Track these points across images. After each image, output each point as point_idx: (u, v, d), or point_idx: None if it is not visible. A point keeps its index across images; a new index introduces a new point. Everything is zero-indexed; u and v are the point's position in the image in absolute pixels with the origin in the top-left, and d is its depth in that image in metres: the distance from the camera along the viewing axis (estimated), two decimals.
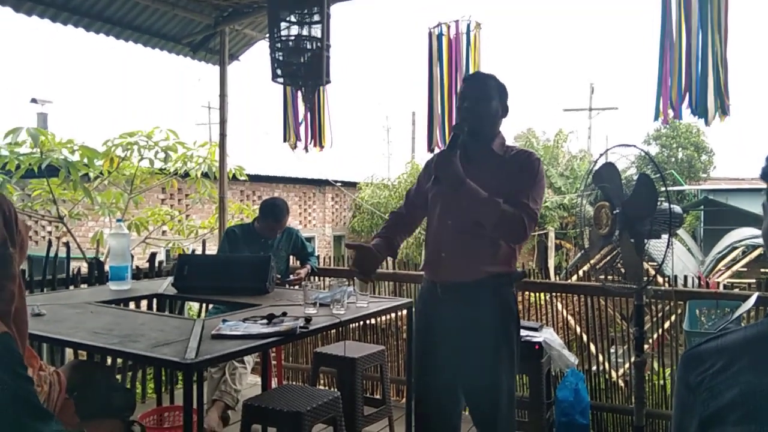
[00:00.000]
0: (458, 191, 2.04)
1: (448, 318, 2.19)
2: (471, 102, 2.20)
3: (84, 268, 4.07)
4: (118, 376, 3.99)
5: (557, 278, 4.49)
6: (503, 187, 2.09)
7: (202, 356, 1.87)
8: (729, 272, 10.42)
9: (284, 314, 2.33)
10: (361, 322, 4.23)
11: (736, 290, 3.73)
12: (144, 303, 3.46)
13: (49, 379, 1.84)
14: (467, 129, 2.14)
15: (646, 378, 3.48)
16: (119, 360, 3.90)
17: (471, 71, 3.54)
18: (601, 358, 3.76)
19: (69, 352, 3.67)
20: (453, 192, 2.06)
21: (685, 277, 3.49)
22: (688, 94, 2.76)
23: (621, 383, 3.82)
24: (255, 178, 11.04)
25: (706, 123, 2.73)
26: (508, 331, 2.18)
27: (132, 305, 3.24)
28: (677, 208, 2.65)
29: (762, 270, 9.75)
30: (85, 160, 4.57)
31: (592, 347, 3.85)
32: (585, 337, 3.94)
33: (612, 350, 3.91)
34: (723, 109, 2.71)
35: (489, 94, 2.21)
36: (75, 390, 1.92)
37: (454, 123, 2.25)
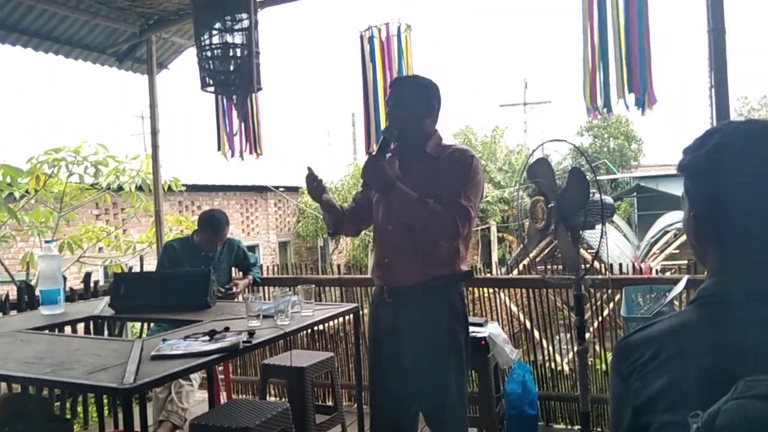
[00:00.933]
0: (388, 195, 2.07)
1: (395, 322, 2.20)
2: (391, 110, 2.22)
3: (13, 293, 3.87)
4: (57, 404, 3.82)
5: (500, 272, 4.57)
6: (438, 186, 2.10)
7: (142, 380, 1.80)
8: (663, 255, 10.88)
9: (227, 329, 2.28)
10: (309, 330, 4.19)
11: (668, 274, 3.90)
12: (81, 326, 3.32)
13: None
14: (395, 134, 2.15)
15: (590, 364, 3.59)
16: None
17: (404, 73, 3.57)
18: (546, 345, 3.85)
19: (4, 385, 3.48)
20: (384, 195, 2.08)
21: (620, 265, 3.61)
22: (614, 88, 2.87)
23: (567, 370, 3.93)
24: (193, 188, 10.79)
25: (642, 113, 2.84)
26: (454, 331, 2.19)
27: (68, 330, 3.11)
28: (609, 199, 2.74)
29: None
30: (8, 179, 4.35)
31: (537, 336, 3.94)
32: (530, 327, 4.03)
33: (559, 337, 4.02)
34: (649, 100, 2.83)
35: (406, 99, 2.21)
36: (6, 425, 1.83)
37: (384, 127, 2.26)
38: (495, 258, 14.13)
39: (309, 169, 2.28)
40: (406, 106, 2.20)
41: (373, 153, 2.12)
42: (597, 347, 3.93)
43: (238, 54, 2.84)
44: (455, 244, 2.20)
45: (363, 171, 2.07)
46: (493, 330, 3.26)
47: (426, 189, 2.07)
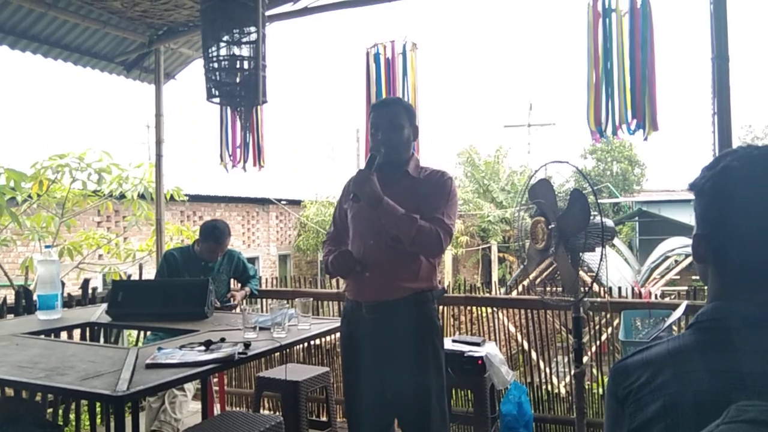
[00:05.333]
0: (376, 209, 2.10)
1: (374, 337, 2.21)
2: (384, 132, 2.26)
3: (11, 297, 3.87)
4: (50, 410, 3.79)
5: (500, 291, 4.56)
6: (419, 206, 2.17)
7: (135, 387, 1.79)
8: (663, 281, 10.83)
9: (222, 340, 2.27)
10: (306, 344, 4.17)
11: (667, 299, 3.88)
12: (77, 332, 3.30)
13: None
14: (383, 152, 2.20)
15: (587, 388, 3.56)
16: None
17: (409, 91, 3.59)
18: (543, 367, 3.82)
19: None
20: (372, 209, 2.12)
21: (620, 288, 3.60)
22: (617, 113, 2.89)
23: (563, 393, 3.90)
24: (196, 198, 10.79)
25: (645, 138, 2.86)
26: (433, 345, 2.23)
27: (64, 335, 3.10)
28: (609, 222, 2.74)
29: (693, 277, 10.17)
30: (12, 183, 4.37)
31: (535, 357, 3.92)
32: (527, 348, 4.01)
33: (557, 359, 3.99)
34: (652, 126, 2.85)
35: (400, 122, 2.27)
36: None
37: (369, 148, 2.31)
38: (495, 278, 14.09)
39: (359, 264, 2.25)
40: (401, 129, 2.27)
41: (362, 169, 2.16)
42: (594, 371, 3.90)
43: (245, 66, 2.86)
44: (432, 260, 2.27)
45: (354, 184, 2.13)
46: (490, 350, 3.24)
47: (409, 207, 2.14)
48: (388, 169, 2.27)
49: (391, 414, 2.28)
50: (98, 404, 3.56)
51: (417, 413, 2.18)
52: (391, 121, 2.26)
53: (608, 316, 3.66)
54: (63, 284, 3.38)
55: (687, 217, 13.61)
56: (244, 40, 2.86)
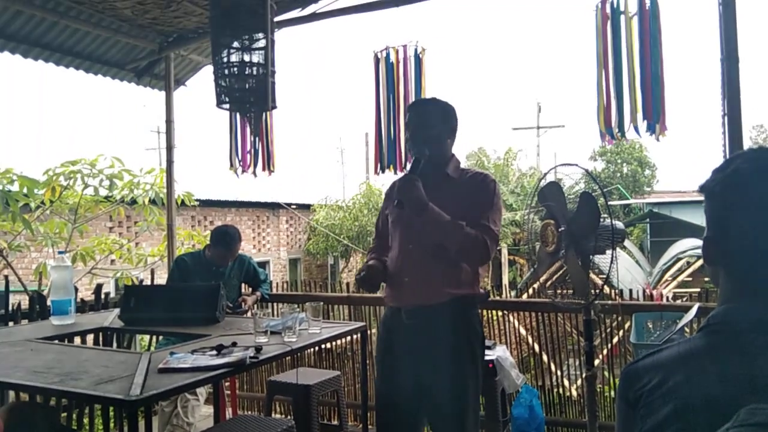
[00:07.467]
0: (421, 215, 2.04)
1: (413, 342, 2.15)
2: (414, 129, 2.20)
3: (25, 302, 3.91)
4: (64, 414, 3.82)
5: (510, 295, 4.55)
6: (461, 209, 2.09)
7: (148, 392, 1.80)
8: (675, 282, 10.76)
9: (234, 344, 2.29)
10: (316, 348, 4.18)
11: (679, 302, 3.86)
12: (90, 337, 3.33)
13: None
14: (428, 154, 2.14)
15: (599, 391, 3.55)
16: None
17: (420, 94, 3.59)
18: (554, 370, 3.81)
19: (12, 393, 3.50)
20: (416, 216, 2.05)
21: (630, 291, 3.58)
22: (627, 114, 2.88)
23: (575, 396, 3.88)
24: (206, 203, 10.86)
25: (657, 139, 2.86)
26: (473, 352, 2.16)
27: (77, 340, 3.12)
28: (619, 224, 2.73)
29: (705, 279, 10.08)
30: (25, 190, 4.42)
31: (546, 360, 3.91)
32: (539, 351, 4.00)
33: (569, 362, 3.97)
34: (661, 126, 2.85)
35: (430, 120, 2.21)
36: None
37: (404, 146, 2.24)
38: (505, 281, 14.06)
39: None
40: (430, 126, 2.20)
41: (406, 172, 2.10)
42: (606, 373, 3.89)
43: (255, 72, 2.88)
44: (477, 266, 2.20)
45: (398, 190, 2.04)
46: (500, 353, 3.23)
47: (449, 211, 2.06)
48: (426, 169, 2.17)
49: (423, 421, 2.24)
50: (111, 408, 3.58)
51: (454, 420, 2.12)
52: (421, 119, 2.21)
53: (619, 318, 3.65)
54: (76, 289, 3.41)
55: (699, 218, 13.50)
56: (254, 46, 2.88)
